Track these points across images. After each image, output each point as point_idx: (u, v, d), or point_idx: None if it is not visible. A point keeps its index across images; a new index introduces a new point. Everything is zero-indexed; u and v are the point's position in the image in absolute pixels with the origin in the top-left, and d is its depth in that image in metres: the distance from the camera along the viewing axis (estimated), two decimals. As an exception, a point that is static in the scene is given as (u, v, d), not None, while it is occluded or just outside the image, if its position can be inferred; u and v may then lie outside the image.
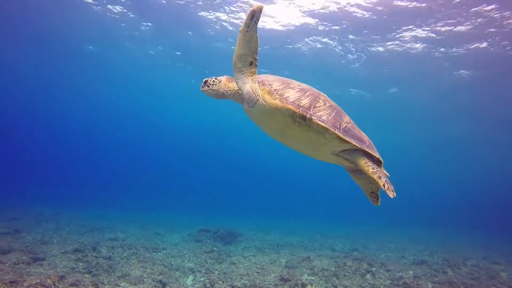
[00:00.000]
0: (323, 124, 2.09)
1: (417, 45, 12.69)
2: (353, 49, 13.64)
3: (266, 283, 5.93)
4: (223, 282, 5.84)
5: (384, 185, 2.03)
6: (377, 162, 2.27)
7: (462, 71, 14.34)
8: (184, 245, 9.87)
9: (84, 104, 28.07)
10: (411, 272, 7.39)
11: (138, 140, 42.47)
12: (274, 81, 2.28)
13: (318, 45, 13.83)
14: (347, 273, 6.90)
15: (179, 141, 41.28)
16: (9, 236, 8.39)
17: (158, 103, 25.68)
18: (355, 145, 2.17)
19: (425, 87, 16.49)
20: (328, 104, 2.24)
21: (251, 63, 2.24)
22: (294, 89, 2.23)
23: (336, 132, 2.10)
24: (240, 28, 2.08)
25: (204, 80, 2.59)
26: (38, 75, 21.80)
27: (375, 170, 2.14)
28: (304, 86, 2.33)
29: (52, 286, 3.91)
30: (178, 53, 16.50)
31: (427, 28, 11.52)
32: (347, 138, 2.13)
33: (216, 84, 2.55)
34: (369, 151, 2.23)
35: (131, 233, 11.16)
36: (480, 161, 29.89)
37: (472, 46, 12.21)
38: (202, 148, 42.38)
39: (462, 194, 47.02)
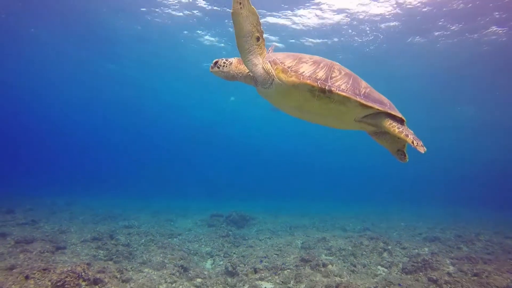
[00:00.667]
0: (344, 94, 2.06)
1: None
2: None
3: (287, 264, 6.00)
4: (245, 265, 5.91)
5: (413, 142, 2.03)
6: (400, 121, 2.25)
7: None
8: (198, 230, 10.00)
9: (91, 94, 27.79)
10: (426, 249, 7.46)
11: (146, 129, 42.28)
12: (286, 58, 2.22)
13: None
14: (364, 252, 6.98)
15: (186, 129, 41.06)
16: (28, 226, 8.51)
17: (167, 90, 25.31)
18: (378, 109, 2.15)
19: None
20: (343, 73, 2.20)
21: (258, 39, 2.15)
22: (307, 63, 2.18)
23: (358, 99, 2.08)
24: (232, 9, 1.99)
25: (214, 61, 2.53)
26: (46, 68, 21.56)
27: (401, 129, 2.14)
28: (316, 58, 2.28)
29: (83, 273, 3.95)
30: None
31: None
32: (369, 104, 2.11)
33: (226, 66, 2.50)
34: (392, 112, 2.21)
35: (144, 220, 11.30)
36: (484, 140, 29.71)
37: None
38: (208, 134, 42.19)
39: (469, 170, 47.02)
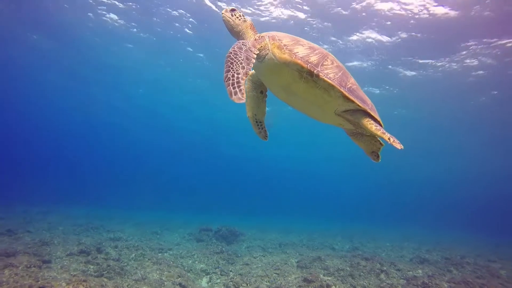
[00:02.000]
0: (329, 81, 2.11)
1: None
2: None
3: (290, 284, 5.87)
4: (247, 285, 5.72)
5: (389, 139, 2.12)
6: (378, 124, 2.33)
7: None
8: (187, 245, 9.66)
9: (73, 100, 26.62)
10: (420, 271, 7.57)
11: (125, 137, 40.44)
12: (284, 37, 2.28)
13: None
14: (362, 273, 6.97)
15: (171, 140, 39.92)
16: (6, 237, 7.86)
17: (154, 99, 24.72)
18: (358, 105, 2.20)
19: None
20: (335, 64, 2.24)
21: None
22: (303, 46, 2.23)
23: (342, 90, 2.13)
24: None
25: (232, 8, 2.52)
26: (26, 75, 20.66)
27: (378, 127, 2.22)
28: (314, 45, 2.34)
29: (85, 293, 3.64)
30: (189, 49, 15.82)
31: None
32: (351, 97, 2.16)
33: (240, 20, 2.50)
34: (371, 113, 2.27)
35: (130, 232, 10.79)
36: (457, 162, 31.27)
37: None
38: (194, 148, 41.27)
39: (442, 194, 49.03)
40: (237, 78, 1.92)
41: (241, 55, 2.08)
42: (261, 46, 2.24)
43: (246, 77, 1.98)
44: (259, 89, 2.73)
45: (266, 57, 2.23)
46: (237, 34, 2.54)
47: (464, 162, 30.45)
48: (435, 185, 44.68)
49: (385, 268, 7.41)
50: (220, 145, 39.02)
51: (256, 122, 2.75)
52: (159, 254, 7.98)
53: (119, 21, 13.38)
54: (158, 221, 15.28)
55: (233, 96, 1.82)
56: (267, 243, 11.03)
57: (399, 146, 2.09)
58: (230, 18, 2.50)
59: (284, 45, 2.18)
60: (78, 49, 16.38)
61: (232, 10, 2.51)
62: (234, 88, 1.86)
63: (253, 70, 2.59)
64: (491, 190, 41.76)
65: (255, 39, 2.35)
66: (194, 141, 37.67)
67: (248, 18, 2.53)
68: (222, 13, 2.53)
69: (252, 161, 48.40)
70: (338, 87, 2.12)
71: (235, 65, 2.00)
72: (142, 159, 50.62)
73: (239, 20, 2.49)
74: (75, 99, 26.02)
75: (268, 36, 2.28)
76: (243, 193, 52.89)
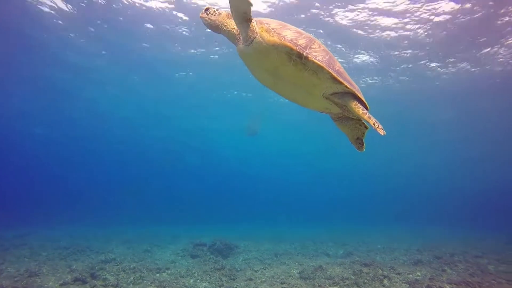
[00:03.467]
0: (318, 63, 2.14)
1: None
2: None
3: (301, 299, 5.82)
4: (259, 303, 5.61)
5: (374, 124, 2.15)
6: (364, 107, 2.39)
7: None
8: (183, 262, 9.35)
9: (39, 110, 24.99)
10: (419, 273, 7.78)
11: (101, 149, 38.25)
12: (272, 21, 2.33)
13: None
14: (366, 280, 7.05)
15: (152, 151, 38.28)
16: (-15, 269, 7.21)
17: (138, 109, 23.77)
18: (347, 87, 2.25)
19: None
20: (322, 48, 2.29)
21: (247, 19, 2.30)
22: (291, 30, 2.26)
23: (331, 71, 2.17)
24: None
25: (206, 7, 2.63)
26: None
27: (365, 111, 2.26)
28: (300, 30, 2.38)
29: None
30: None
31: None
32: (340, 79, 2.21)
33: (215, 15, 2.58)
34: (359, 95, 2.33)
35: (120, 252, 10.29)
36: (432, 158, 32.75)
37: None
38: (172, 159, 39.99)
39: (421, 190, 50.98)
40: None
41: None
42: (250, 27, 2.26)
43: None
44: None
45: (254, 40, 2.24)
46: (219, 29, 2.61)
47: (441, 157, 31.96)
48: (413, 182, 46.48)
49: (386, 273, 7.56)
50: (197, 156, 38.32)
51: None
52: (157, 275, 7.66)
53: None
54: (145, 237, 14.72)
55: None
56: (263, 253, 10.92)
57: (382, 131, 2.12)
58: (207, 17, 2.60)
59: (272, 28, 2.21)
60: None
61: (206, 9, 2.62)
62: None
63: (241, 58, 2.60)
64: (469, 185, 44.07)
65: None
66: (169, 151, 36.60)
67: (223, 11, 2.59)
68: (200, 17, 2.65)
69: (233, 170, 48.02)
70: (327, 69, 2.15)
71: None
72: (118, 172, 48.61)
73: (214, 15, 2.57)
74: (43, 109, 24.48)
75: (255, 20, 2.29)
76: (226, 203, 52.18)
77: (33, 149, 36.34)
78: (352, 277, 7.26)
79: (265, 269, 8.43)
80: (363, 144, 2.65)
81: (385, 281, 7.07)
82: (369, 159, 34.73)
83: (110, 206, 39.37)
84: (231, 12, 2.23)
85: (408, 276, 7.55)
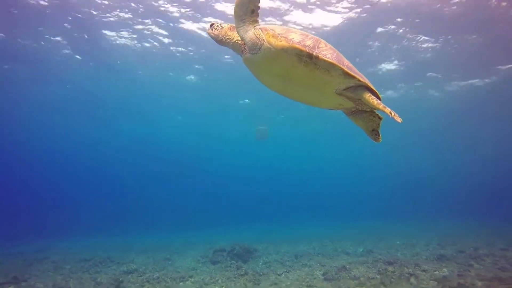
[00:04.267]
0: (330, 60, 2.19)
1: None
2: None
3: (331, 302, 5.77)
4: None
5: (390, 113, 2.21)
6: (377, 97, 2.43)
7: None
8: (205, 269, 9.36)
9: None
10: (445, 270, 7.66)
11: (106, 158, 38.79)
12: (275, 27, 2.35)
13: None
14: (392, 279, 6.97)
15: (155, 160, 38.60)
16: (13, 285, 7.31)
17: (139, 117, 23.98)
18: (359, 80, 2.30)
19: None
20: (329, 46, 2.34)
21: (252, 11, 2.31)
22: (296, 33, 2.32)
23: (342, 67, 2.22)
24: None
25: (211, 23, 2.73)
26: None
27: (379, 101, 2.32)
28: (305, 32, 2.42)
29: None
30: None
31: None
32: (352, 73, 2.26)
33: (218, 30, 2.66)
34: (371, 87, 2.38)
35: (141, 262, 10.33)
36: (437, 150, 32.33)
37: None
38: (180, 163, 40.16)
39: (433, 183, 50.25)
40: None
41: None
42: (256, 36, 2.31)
43: None
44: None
45: (262, 47, 2.29)
46: (224, 42, 2.68)
47: (457, 151, 31.63)
48: (425, 175, 45.87)
49: (411, 271, 7.47)
50: (209, 158, 38.47)
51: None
52: (181, 283, 7.70)
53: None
54: (162, 245, 14.83)
55: None
56: (283, 256, 10.87)
57: (399, 119, 2.15)
58: (212, 32, 2.70)
59: (278, 33, 2.25)
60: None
61: (211, 25, 2.71)
62: None
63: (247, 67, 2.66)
64: (482, 177, 43.39)
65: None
66: (177, 155, 36.78)
67: (225, 24, 2.67)
68: (208, 32, 2.74)
69: (242, 172, 48.05)
70: (339, 65, 2.20)
71: None
72: (128, 178, 49.05)
73: (217, 30, 2.65)
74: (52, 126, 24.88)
75: (259, 28, 2.34)
76: (238, 205, 52.15)
77: (42, 159, 36.82)
78: (378, 276, 7.18)
79: (288, 272, 8.40)
80: (379, 135, 2.71)
81: (412, 279, 6.97)
82: (377, 154, 34.44)
83: (122, 213, 39.56)
84: (235, 13, 2.31)
85: (435, 272, 7.44)
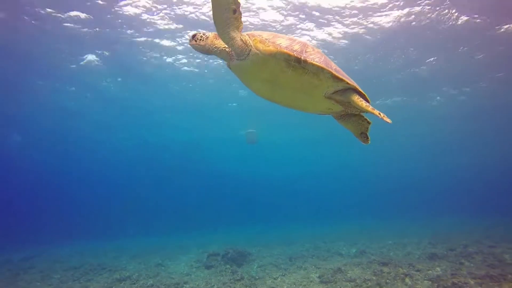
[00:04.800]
0: (318, 64, 2.21)
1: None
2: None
3: (330, 306, 5.76)
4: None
5: (379, 114, 2.26)
6: (365, 100, 2.49)
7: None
8: (199, 274, 9.25)
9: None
10: (438, 269, 7.77)
11: (95, 162, 37.56)
12: (262, 33, 2.36)
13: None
14: (388, 280, 7.03)
15: (150, 159, 37.67)
16: (0, 298, 7.03)
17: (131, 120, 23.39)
18: (348, 83, 2.33)
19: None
20: (316, 50, 2.36)
21: (234, 11, 2.18)
22: (283, 38, 2.32)
23: (331, 70, 2.24)
24: None
25: (193, 34, 2.63)
26: None
27: (368, 104, 2.36)
28: (292, 37, 2.43)
29: None
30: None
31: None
32: (340, 76, 2.28)
33: (203, 40, 2.59)
34: (360, 90, 2.41)
35: (133, 269, 10.11)
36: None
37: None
38: (172, 165, 39.48)
39: (419, 181, 51.24)
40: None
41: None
42: (243, 42, 2.27)
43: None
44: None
45: (250, 53, 2.27)
46: (210, 51, 2.61)
47: (448, 152, 32.29)
48: (414, 175, 46.70)
49: (406, 271, 7.56)
50: (201, 160, 38.05)
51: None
52: (176, 291, 7.57)
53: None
54: (153, 249, 14.58)
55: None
56: (277, 259, 10.84)
57: (388, 120, 2.19)
58: (196, 44, 2.61)
59: (266, 39, 2.26)
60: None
61: (193, 36, 2.61)
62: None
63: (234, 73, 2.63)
64: (469, 173, 44.45)
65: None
66: (169, 157, 36.24)
67: (209, 33, 2.60)
68: (189, 44, 2.66)
69: (232, 173, 47.79)
70: (328, 69, 2.21)
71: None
72: (116, 185, 48.04)
73: (202, 40, 2.58)
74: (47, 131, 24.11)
75: (246, 34, 2.32)
76: (228, 207, 51.88)
77: (30, 162, 35.60)
78: (374, 277, 7.23)
79: (284, 276, 8.37)
80: (367, 138, 2.75)
81: (407, 280, 7.05)
82: (368, 155, 34.86)
83: (110, 217, 38.78)
84: (213, 16, 2.21)
85: (428, 272, 7.54)
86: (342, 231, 18.62)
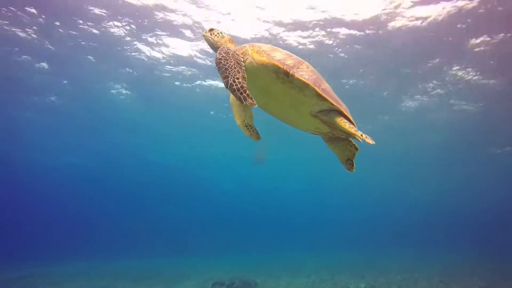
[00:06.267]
0: (303, 79, 2.27)
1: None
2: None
3: None
4: None
5: (362, 135, 2.26)
6: (351, 123, 2.48)
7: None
8: (204, 305, 8.83)
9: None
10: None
11: (93, 181, 36.56)
12: (263, 45, 2.49)
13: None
14: (406, 322, 6.68)
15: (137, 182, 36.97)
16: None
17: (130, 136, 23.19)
18: (332, 103, 2.36)
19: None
20: (310, 69, 2.43)
21: (211, 30, 2.75)
22: (281, 52, 2.43)
23: (315, 88, 2.29)
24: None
25: (211, 28, 2.78)
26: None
27: (351, 125, 2.36)
28: (291, 54, 2.51)
29: None
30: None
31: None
32: (324, 95, 2.33)
33: (218, 37, 2.72)
34: (345, 113, 2.44)
35: (135, 295, 9.69)
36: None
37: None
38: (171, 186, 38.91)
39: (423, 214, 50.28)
40: (239, 83, 2.11)
41: (231, 59, 2.27)
42: (243, 52, 2.45)
43: (245, 80, 2.16)
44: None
45: (247, 61, 2.42)
46: (217, 49, 2.69)
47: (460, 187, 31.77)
48: (420, 207, 45.75)
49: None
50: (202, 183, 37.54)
51: (246, 126, 2.85)
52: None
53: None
54: (153, 274, 14.06)
55: (245, 102, 2.04)
56: (286, 292, 10.42)
57: (371, 141, 2.20)
58: (210, 37, 2.74)
59: (263, 50, 2.40)
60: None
61: (211, 30, 2.75)
62: (241, 94, 2.07)
63: None
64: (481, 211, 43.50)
65: (237, 48, 2.58)
66: (167, 177, 35.66)
67: (226, 34, 2.73)
68: (203, 34, 2.78)
69: (233, 199, 47.03)
70: (312, 85, 2.27)
71: (231, 70, 2.17)
72: (115, 206, 47.03)
73: (218, 37, 2.71)
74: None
75: (248, 44, 2.51)
76: (229, 232, 50.73)
77: (27, 178, 34.97)
78: (392, 319, 6.87)
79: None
80: (353, 165, 2.76)
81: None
82: (377, 183, 34.28)
83: (107, 238, 37.86)
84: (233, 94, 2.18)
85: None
86: (345, 259, 18.06)
